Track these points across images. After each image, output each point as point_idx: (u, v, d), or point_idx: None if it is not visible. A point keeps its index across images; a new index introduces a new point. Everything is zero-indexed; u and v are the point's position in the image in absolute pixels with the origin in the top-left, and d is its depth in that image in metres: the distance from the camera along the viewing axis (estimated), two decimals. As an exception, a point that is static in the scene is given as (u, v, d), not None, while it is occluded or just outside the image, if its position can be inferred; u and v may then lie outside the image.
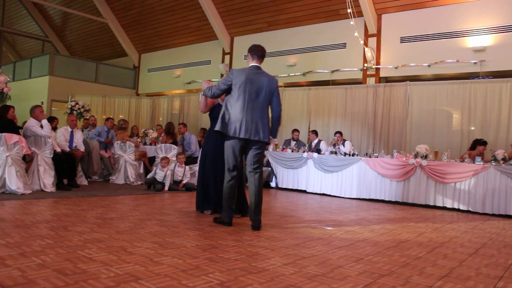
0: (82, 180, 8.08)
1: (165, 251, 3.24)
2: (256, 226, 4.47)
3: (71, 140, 7.98)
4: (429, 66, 10.04)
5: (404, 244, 4.12)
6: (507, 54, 9.11)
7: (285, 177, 9.50)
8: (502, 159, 7.12)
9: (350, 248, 3.74)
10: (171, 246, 3.42)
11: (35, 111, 6.95)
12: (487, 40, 9.38)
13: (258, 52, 4.70)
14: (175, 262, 2.94)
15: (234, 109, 4.52)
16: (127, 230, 3.95)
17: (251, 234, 4.17)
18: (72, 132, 8.04)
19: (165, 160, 8.02)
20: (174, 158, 8.67)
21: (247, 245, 3.62)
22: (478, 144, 7.98)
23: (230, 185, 4.60)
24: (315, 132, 10.08)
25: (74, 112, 12.16)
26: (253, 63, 4.71)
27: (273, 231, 4.43)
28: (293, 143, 10.19)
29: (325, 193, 8.80)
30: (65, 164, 7.33)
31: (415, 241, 4.32)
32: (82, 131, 9.76)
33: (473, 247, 4.16)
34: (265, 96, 4.60)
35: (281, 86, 12.17)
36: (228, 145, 4.60)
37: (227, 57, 14.02)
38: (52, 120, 8.99)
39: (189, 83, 15.00)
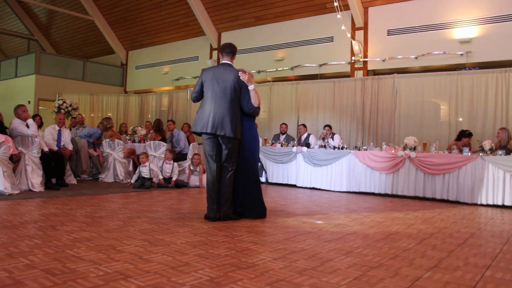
0: (71, 179, 8.02)
1: (154, 248, 3.23)
2: (222, 216, 4.65)
3: (59, 139, 7.93)
4: (416, 58, 10.09)
5: (394, 236, 4.14)
6: (493, 45, 9.19)
7: (275, 171, 9.51)
8: (489, 149, 7.19)
9: (339, 242, 3.76)
10: (160, 243, 3.41)
11: (17, 111, 6.88)
12: (473, 32, 9.44)
13: (225, 49, 4.91)
14: (165, 259, 2.93)
15: (204, 106, 4.72)
16: (116, 228, 3.93)
17: (241, 229, 4.17)
18: (59, 131, 7.98)
19: (143, 155, 8.01)
20: (163, 155, 8.64)
21: (237, 241, 3.62)
22: (463, 136, 8.04)
23: (211, 180, 4.71)
24: (305, 126, 10.09)
25: (62, 110, 12.04)
26: (223, 61, 4.92)
27: (263, 226, 4.43)
28: (282, 137, 10.20)
29: (315, 187, 8.83)
30: (53, 163, 7.28)
31: (405, 233, 4.35)
32: (70, 130, 9.67)
33: (462, 237, 4.19)
34: (231, 93, 4.69)
35: (269, 81, 12.16)
36: (203, 140, 4.76)
37: (214, 53, 13.95)
38: (33, 118, 8.89)
39: (177, 79, 14.92)
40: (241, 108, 4.81)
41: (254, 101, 4.79)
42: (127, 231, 3.82)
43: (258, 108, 4.89)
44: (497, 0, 9.20)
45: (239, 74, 4.73)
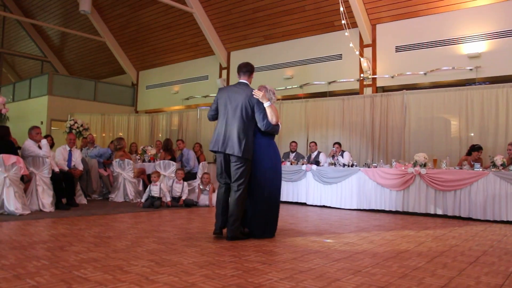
0: (81, 199, 8.06)
1: (161, 269, 3.21)
2: (229, 236, 4.60)
3: (69, 159, 7.98)
4: (425, 74, 10.07)
5: (403, 254, 4.08)
6: (502, 60, 9.15)
7: (284, 190, 9.43)
8: (501, 165, 7.10)
9: (348, 261, 3.72)
10: (167, 263, 3.40)
11: (31, 133, 6.97)
12: (482, 47, 9.42)
13: (243, 68, 4.99)
14: (171, 279, 2.92)
15: (217, 124, 4.84)
16: (124, 249, 3.93)
17: (249, 249, 4.14)
18: (70, 151, 8.05)
19: (155, 174, 8.05)
20: (173, 175, 8.66)
21: (244, 261, 3.60)
22: (473, 150, 7.99)
23: (221, 197, 4.78)
24: (316, 143, 10.07)
25: (73, 131, 12.18)
26: (240, 80, 4.98)
27: (271, 245, 4.40)
28: (291, 155, 10.18)
29: (325, 205, 8.76)
30: (64, 183, 7.33)
31: (415, 251, 4.29)
32: (81, 150, 9.75)
33: (474, 255, 4.12)
34: (242, 112, 4.70)
35: (279, 99, 12.19)
36: (216, 158, 4.89)
37: (224, 72, 14.08)
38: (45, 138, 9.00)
39: (187, 99, 15.04)
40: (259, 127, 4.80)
41: (271, 118, 4.74)
42: (134, 252, 3.82)
43: (277, 125, 4.86)
44: (505, 14, 9.18)
45: (253, 92, 4.73)
